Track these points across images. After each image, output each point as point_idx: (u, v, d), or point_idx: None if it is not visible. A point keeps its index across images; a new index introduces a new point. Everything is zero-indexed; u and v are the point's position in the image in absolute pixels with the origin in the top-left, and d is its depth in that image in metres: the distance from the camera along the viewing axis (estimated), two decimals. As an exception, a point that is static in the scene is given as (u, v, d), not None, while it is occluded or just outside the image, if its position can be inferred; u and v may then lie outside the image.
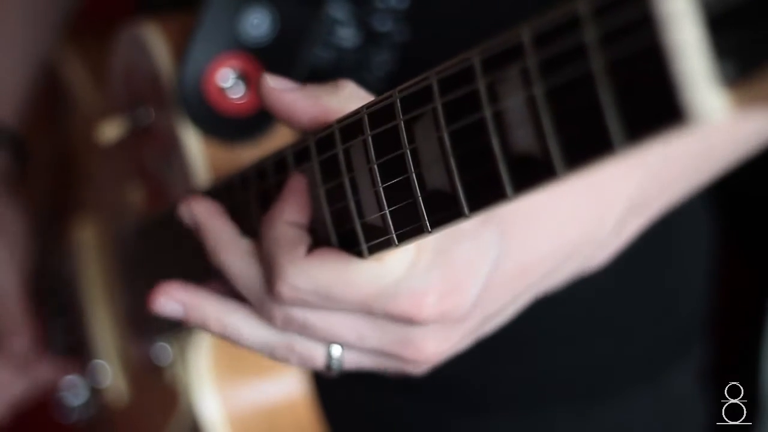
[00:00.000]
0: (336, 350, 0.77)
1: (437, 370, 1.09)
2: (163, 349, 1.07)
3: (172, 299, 0.79)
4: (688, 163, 0.88)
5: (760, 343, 1.56)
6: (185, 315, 0.79)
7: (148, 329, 1.10)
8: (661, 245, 1.15)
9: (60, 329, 1.29)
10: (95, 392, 1.27)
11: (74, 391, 1.28)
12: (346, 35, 0.99)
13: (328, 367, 0.78)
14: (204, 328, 0.79)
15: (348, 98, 0.72)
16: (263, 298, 0.74)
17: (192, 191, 0.81)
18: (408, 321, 0.72)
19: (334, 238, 0.72)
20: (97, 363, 1.26)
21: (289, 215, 0.72)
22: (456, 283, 0.71)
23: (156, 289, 0.79)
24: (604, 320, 1.13)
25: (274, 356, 0.78)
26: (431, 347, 0.75)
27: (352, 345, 0.76)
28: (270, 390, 1.02)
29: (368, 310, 0.72)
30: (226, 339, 0.78)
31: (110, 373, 1.25)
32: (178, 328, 1.01)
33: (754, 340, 1.57)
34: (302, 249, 0.71)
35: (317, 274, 0.70)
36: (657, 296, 1.16)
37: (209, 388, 1.01)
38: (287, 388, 1.02)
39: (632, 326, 1.15)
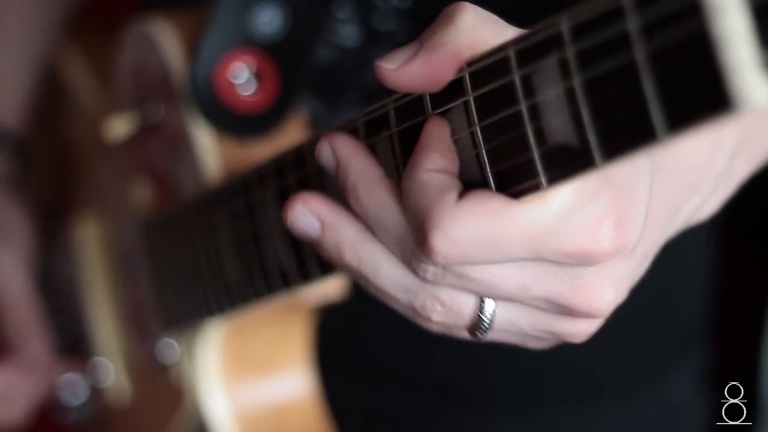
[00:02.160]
0: (489, 305, 0.67)
1: (442, 368, 1.10)
2: (170, 346, 1.07)
3: (311, 212, 0.68)
4: None
5: (761, 343, 1.57)
6: (320, 234, 0.68)
7: (153, 326, 1.10)
8: (662, 246, 1.15)
9: (57, 328, 1.28)
10: (95, 392, 1.27)
11: (73, 391, 1.27)
12: (348, 34, 0.99)
13: (476, 327, 0.68)
14: (336, 254, 0.68)
15: (471, 29, 0.63)
16: (413, 251, 0.65)
17: (330, 132, 0.70)
18: (585, 258, 0.62)
19: None
20: (98, 361, 1.25)
21: (432, 163, 0.63)
22: (625, 207, 0.61)
23: (293, 197, 0.69)
24: (605, 321, 1.13)
25: (413, 306, 0.67)
26: (609, 294, 0.65)
27: (514, 297, 0.65)
28: (278, 389, 1.02)
29: (538, 255, 0.62)
30: (358, 274, 0.68)
31: (112, 371, 1.24)
32: (192, 323, 1.00)
33: (754, 340, 1.57)
34: (453, 195, 0.61)
35: (476, 221, 0.61)
36: (658, 297, 1.16)
37: (217, 387, 1.01)
38: (295, 387, 1.02)
39: (633, 327, 1.15)
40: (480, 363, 1.10)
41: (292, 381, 1.02)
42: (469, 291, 0.66)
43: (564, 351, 1.10)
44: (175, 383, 1.06)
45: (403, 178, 0.64)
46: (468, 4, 0.63)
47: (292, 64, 0.96)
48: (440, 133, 0.63)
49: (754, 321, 1.59)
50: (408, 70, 0.63)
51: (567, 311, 0.66)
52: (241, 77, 0.95)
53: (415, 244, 0.64)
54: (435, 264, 0.63)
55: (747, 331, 1.59)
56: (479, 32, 0.62)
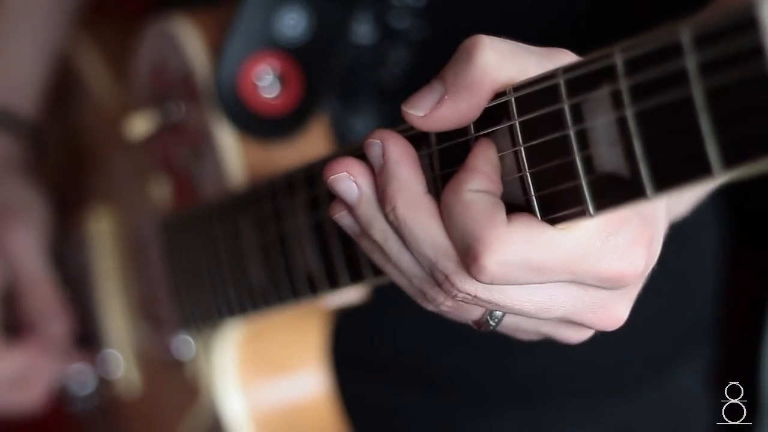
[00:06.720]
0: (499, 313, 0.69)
1: (450, 364, 1.10)
2: (186, 343, 1.07)
3: (354, 177, 0.67)
4: None
5: (761, 344, 1.57)
6: (357, 202, 0.68)
7: (169, 322, 1.10)
8: (669, 246, 1.15)
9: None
10: (103, 383, 1.27)
11: (81, 381, 1.28)
12: (363, 32, 0.99)
13: (481, 324, 0.69)
14: (365, 227, 0.68)
15: (494, 68, 0.63)
16: (448, 271, 0.65)
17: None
18: (618, 281, 0.63)
19: None
20: (108, 353, 1.25)
21: (477, 184, 0.63)
22: (651, 233, 0.63)
23: (338, 161, 0.68)
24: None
25: (424, 293, 0.68)
26: (625, 313, 0.67)
27: (534, 316, 0.66)
28: (293, 389, 1.02)
29: (576, 278, 0.63)
30: (379, 250, 0.69)
31: (122, 363, 1.24)
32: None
33: (754, 340, 1.58)
34: (502, 216, 0.61)
35: (526, 245, 0.61)
36: (665, 296, 1.17)
37: (234, 387, 1.01)
38: (310, 387, 1.03)
39: (640, 326, 1.15)
40: (489, 359, 1.11)
41: (308, 381, 1.03)
42: (490, 309, 0.67)
43: (571, 348, 1.11)
44: (191, 379, 1.07)
45: (446, 196, 0.63)
46: (486, 40, 0.63)
47: (316, 68, 0.96)
48: (487, 155, 0.63)
49: (754, 321, 1.60)
50: (437, 117, 0.64)
51: (580, 325, 0.68)
52: (265, 80, 0.95)
53: (452, 265, 0.64)
54: (471, 284, 0.64)
55: (747, 331, 1.60)
56: (502, 70, 0.62)
